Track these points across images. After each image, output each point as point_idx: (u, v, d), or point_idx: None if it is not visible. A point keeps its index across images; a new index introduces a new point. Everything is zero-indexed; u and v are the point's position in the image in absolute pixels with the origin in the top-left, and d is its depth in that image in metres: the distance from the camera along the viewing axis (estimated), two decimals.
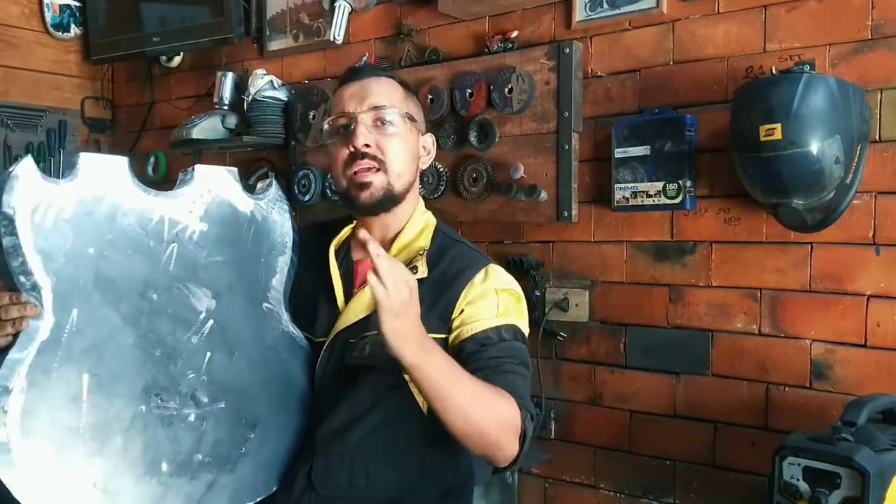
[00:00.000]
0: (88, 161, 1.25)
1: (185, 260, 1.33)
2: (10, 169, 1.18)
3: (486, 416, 1.26)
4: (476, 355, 1.33)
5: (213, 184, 1.37)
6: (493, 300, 1.38)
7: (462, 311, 1.37)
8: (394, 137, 1.41)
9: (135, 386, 1.27)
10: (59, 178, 1.22)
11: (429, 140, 1.53)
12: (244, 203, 1.40)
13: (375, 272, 1.13)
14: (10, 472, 1.15)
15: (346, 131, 1.42)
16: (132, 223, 1.27)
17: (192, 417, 1.32)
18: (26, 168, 1.18)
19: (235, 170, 1.41)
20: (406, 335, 1.17)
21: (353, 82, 1.45)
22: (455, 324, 1.37)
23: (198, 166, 1.37)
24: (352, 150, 1.39)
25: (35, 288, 1.18)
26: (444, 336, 1.38)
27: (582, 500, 2.21)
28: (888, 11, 1.77)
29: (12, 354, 1.18)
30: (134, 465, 1.27)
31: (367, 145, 1.39)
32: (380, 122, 1.41)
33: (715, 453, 1.99)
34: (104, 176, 1.26)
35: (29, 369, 1.17)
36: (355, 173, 1.40)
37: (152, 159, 3.23)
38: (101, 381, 1.24)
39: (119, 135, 3.49)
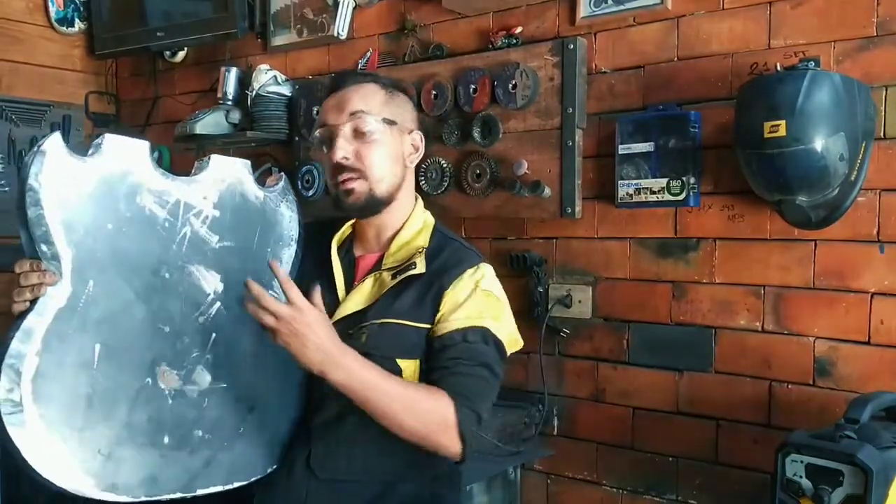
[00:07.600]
0: (112, 141, 1.30)
1: (197, 243, 1.38)
2: (39, 143, 1.22)
3: (415, 417, 1.33)
4: (437, 355, 1.41)
5: (228, 173, 1.45)
6: (472, 300, 1.44)
7: (443, 307, 1.43)
8: (373, 145, 1.47)
9: (143, 359, 1.32)
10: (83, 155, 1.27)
11: (416, 137, 1.56)
12: (255, 194, 1.48)
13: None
14: (20, 433, 1.19)
15: (329, 143, 1.48)
16: (150, 203, 1.33)
17: (194, 394, 1.38)
18: (54, 143, 1.23)
19: (248, 162, 1.48)
20: (317, 348, 1.27)
21: (335, 93, 1.51)
22: (435, 319, 1.44)
23: (214, 156, 1.44)
24: (335, 162, 1.46)
25: (55, 257, 1.23)
26: (428, 326, 1.44)
27: (584, 497, 2.21)
28: (893, 8, 1.76)
29: (29, 318, 1.21)
30: (137, 435, 1.31)
31: (346, 158, 1.45)
32: (358, 132, 1.46)
33: (718, 450, 1.99)
34: (126, 156, 1.32)
35: (45, 334, 1.21)
36: (339, 182, 1.47)
37: (156, 154, 3.23)
38: (112, 351, 1.28)
39: (123, 130, 3.48)
